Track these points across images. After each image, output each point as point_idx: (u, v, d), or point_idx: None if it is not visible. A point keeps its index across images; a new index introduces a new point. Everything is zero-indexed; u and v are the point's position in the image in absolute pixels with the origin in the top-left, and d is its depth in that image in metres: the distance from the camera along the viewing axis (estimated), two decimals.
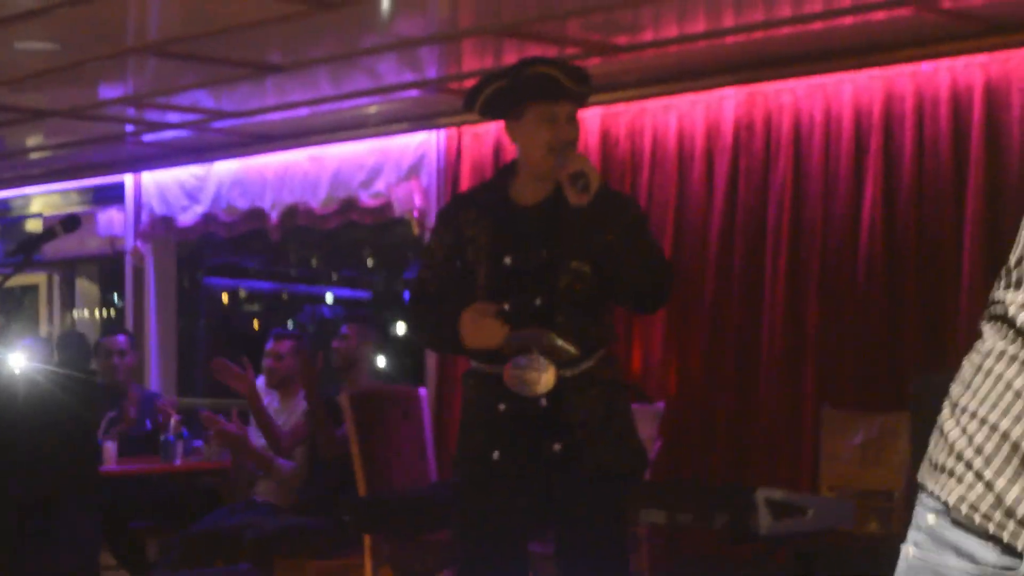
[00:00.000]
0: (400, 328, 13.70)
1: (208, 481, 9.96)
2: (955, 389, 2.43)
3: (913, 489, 6.18)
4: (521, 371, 5.74)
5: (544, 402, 5.76)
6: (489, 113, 6.08)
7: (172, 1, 6.88)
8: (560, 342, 5.71)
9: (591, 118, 8.04)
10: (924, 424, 4.85)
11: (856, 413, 7.14)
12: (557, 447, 5.79)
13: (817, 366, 7.74)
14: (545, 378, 5.73)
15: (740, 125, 8.11)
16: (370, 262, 14.60)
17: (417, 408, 9.25)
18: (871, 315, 7.57)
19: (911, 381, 6.74)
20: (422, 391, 9.41)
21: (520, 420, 5.83)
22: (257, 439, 9.26)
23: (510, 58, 7.63)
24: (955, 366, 6.78)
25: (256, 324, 16.10)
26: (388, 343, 10.94)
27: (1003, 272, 2.40)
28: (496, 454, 5.93)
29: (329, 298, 15.86)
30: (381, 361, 10.48)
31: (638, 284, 5.79)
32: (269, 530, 8.86)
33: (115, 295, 13.20)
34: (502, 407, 5.84)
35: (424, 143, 9.68)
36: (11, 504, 7.38)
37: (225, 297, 15.31)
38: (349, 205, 10.18)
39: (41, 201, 12.70)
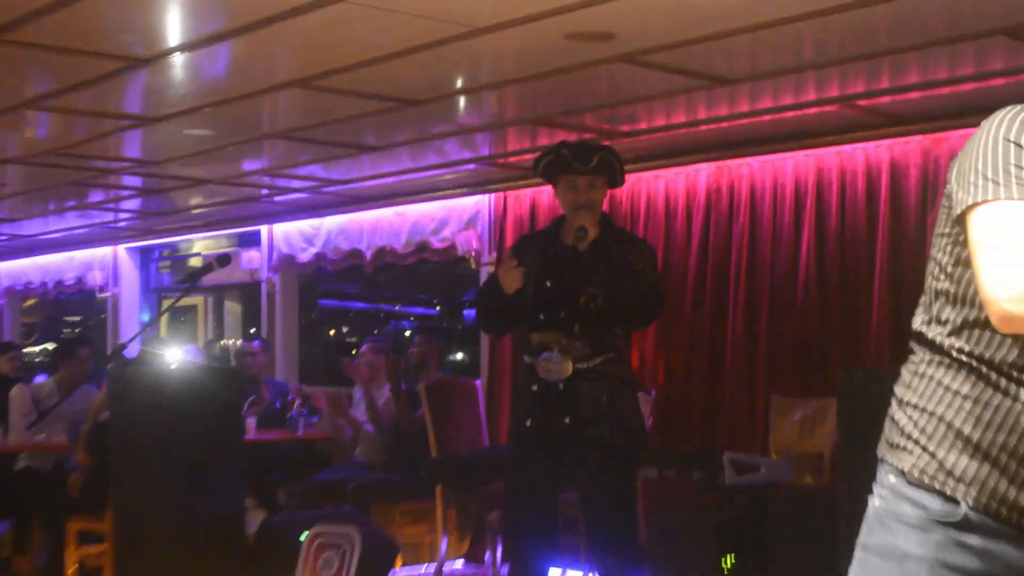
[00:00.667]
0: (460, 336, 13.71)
1: (321, 446, 9.97)
2: (898, 390, 2.50)
3: (836, 453, 6.23)
4: (546, 363, 5.88)
5: (561, 386, 5.87)
6: (543, 178, 6.26)
7: (295, 99, 6.88)
8: (575, 344, 5.87)
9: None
10: (846, 405, 4.96)
11: (795, 399, 7.14)
12: (567, 420, 5.89)
13: (767, 364, 7.73)
14: (562, 369, 5.85)
15: (711, 190, 8.13)
16: (437, 289, 14.61)
17: (474, 394, 9.29)
18: (807, 328, 7.55)
19: (836, 375, 6.79)
20: (478, 382, 9.44)
21: (545, 398, 5.95)
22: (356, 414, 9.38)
23: (543, 141, 7.71)
24: (868, 365, 6.84)
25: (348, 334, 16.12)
26: (449, 347, 10.91)
27: (920, 306, 2.50)
28: (528, 421, 6.06)
29: (407, 315, 15.83)
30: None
31: (627, 310, 5.93)
32: (366, 482, 8.89)
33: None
34: (534, 388, 5.97)
35: (479, 202, 9.70)
36: (180, 463, 7.43)
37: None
38: (423, 247, 10.18)
39: (200, 244, 12.73)
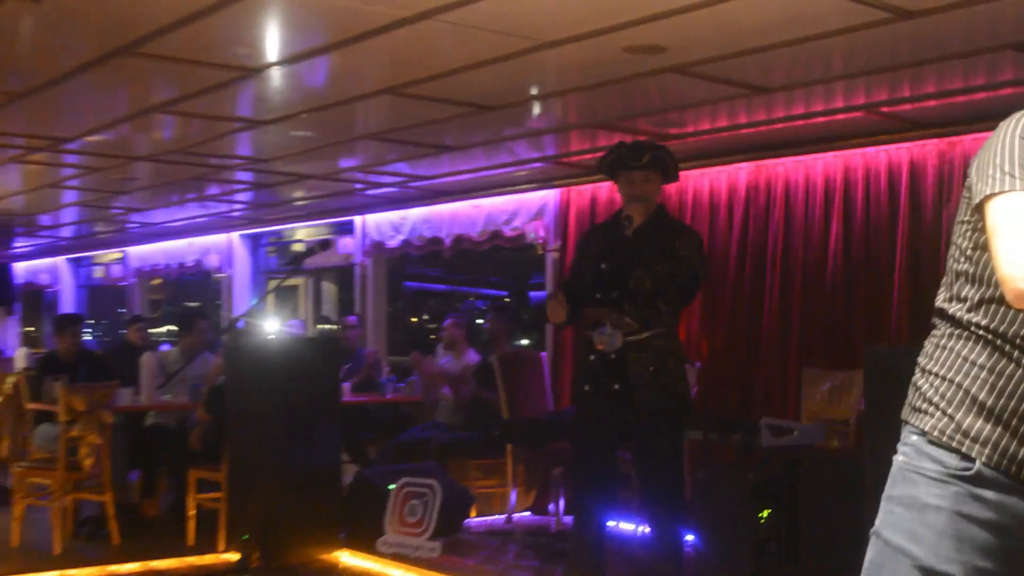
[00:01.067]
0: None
1: (407, 409, 10.00)
2: (922, 359, 2.51)
3: (861, 418, 6.15)
4: (600, 336, 5.93)
5: (613, 356, 5.91)
6: (606, 175, 6.28)
7: (385, 105, 6.87)
8: (624, 319, 5.87)
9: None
10: (871, 376, 4.91)
11: (824, 371, 7.09)
12: (616, 386, 5.93)
13: (799, 340, 7.68)
14: (614, 341, 5.88)
15: (750, 186, 8.08)
16: (508, 272, 14.62)
17: (540, 364, 9.28)
18: (835, 308, 7.50)
19: (862, 350, 6.74)
20: (543, 354, 9.48)
21: (599, 366, 6.00)
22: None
23: (602, 142, 7.68)
24: (889, 341, 6.74)
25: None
26: (518, 325, 10.92)
27: (942, 286, 2.50)
28: (586, 387, 6.11)
29: (481, 295, 15.86)
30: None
31: (669, 290, 5.92)
32: (445, 440, 8.93)
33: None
34: (591, 358, 6.03)
35: (545, 196, 9.66)
36: (285, 421, 7.48)
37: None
38: (496, 235, 10.16)
39: (302, 232, 12.79)
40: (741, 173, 8.19)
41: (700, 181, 8.36)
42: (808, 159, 7.78)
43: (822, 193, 7.70)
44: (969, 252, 2.40)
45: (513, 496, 8.71)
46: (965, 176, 2.40)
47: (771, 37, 5.28)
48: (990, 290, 2.35)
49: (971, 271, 2.40)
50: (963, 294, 2.43)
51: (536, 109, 7.10)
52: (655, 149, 6.14)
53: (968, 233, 2.40)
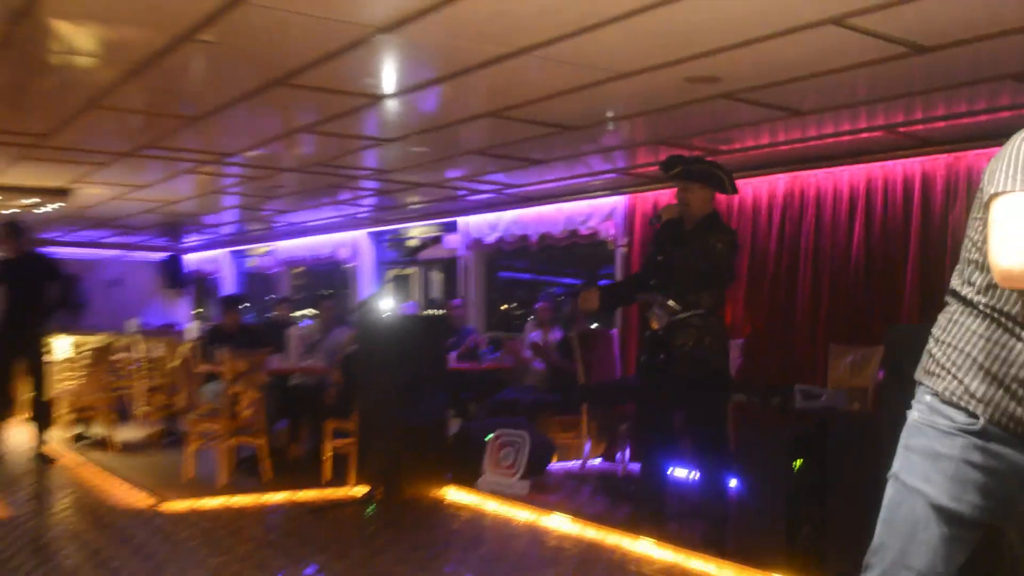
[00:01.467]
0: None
1: (500, 375, 10.01)
2: (935, 331, 2.51)
3: (879, 386, 6.06)
4: (653, 316, 5.93)
5: (660, 333, 5.91)
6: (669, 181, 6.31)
7: (485, 126, 6.89)
8: (668, 302, 5.88)
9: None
10: (891, 350, 4.84)
11: (848, 346, 7.01)
12: (661, 357, 5.93)
13: (826, 321, 7.60)
14: (661, 320, 5.88)
15: (787, 194, 7.99)
16: (583, 264, 14.55)
17: (610, 339, 9.27)
18: (857, 295, 7.42)
19: (880, 330, 6.68)
20: (613, 331, 9.46)
21: (651, 341, 6.03)
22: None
23: (664, 156, 7.66)
24: (909, 321, 6.59)
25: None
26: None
27: (955, 272, 2.50)
28: (643, 358, 6.11)
29: (560, 283, 15.79)
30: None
31: (702, 278, 5.92)
32: (533, 400, 8.97)
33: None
34: (647, 334, 6.06)
35: (615, 201, 9.61)
36: (402, 382, 7.54)
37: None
38: (574, 234, 10.13)
39: (415, 230, 12.85)
40: (779, 183, 8.09)
41: (745, 189, 8.25)
42: (836, 171, 7.68)
43: (847, 199, 7.59)
44: (979, 244, 2.39)
45: (587, 447, 8.71)
46: (980, 181, 2.39)
47: (806, 69, 5.23)
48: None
49: (979, 259, 2.39)
50: (972, 279, 2.42)
51: (608, 129, 7.08)
52: (688, 162, 6.13)
53: (979, 227, 2.39)
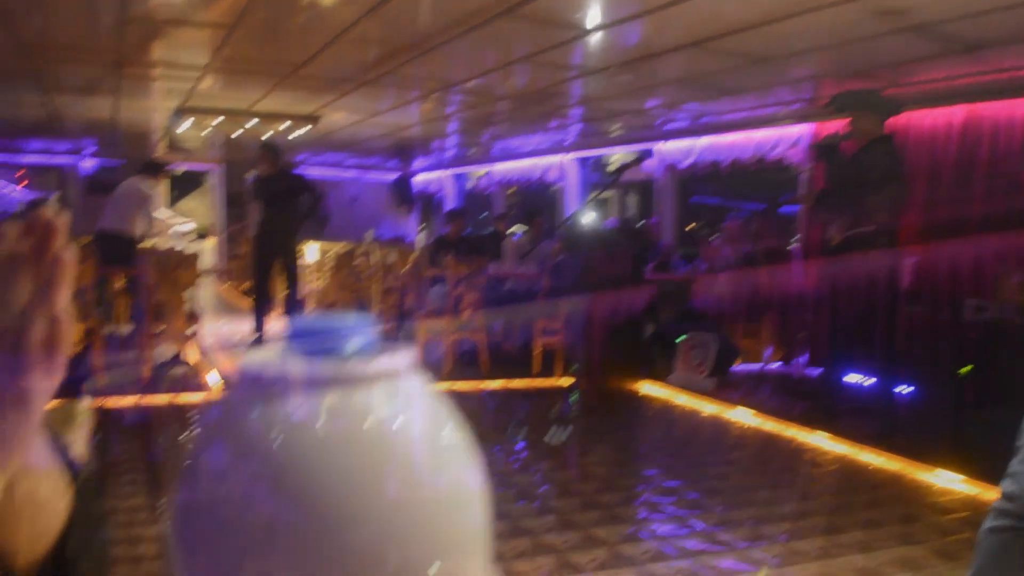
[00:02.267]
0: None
1: (691, 285, 10.00)
2: None
3: None
4: (831, 229, 5.87)
5: (834, 246, 5.88)
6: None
7: (683, 57, 6.81)
8: (843, 218, 5.78)
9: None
10: None
11: (1017, 267, 6.75)
12: None
13: (996, 243, 7.36)
14: (837, 236, 5.96)
15: (964, 124, 7.64)
16: (766, 189, 14.25)
17: (791, 255, 9.18)
18: None
19: None
20: (794, 248, 9.33)
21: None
22: None
23: (848, 87, 7.43)
24: None
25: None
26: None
27: None
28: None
29: (741, 208, 15.50)
30: None
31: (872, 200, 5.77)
32: (719, 308, 9.01)
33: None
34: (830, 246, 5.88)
35: (801, 130, 9.38)
36: (606, 287, 7.65)
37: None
38: (761, 160, 9.92)
39: (617, 156, 12.86)
40: (956, 113, 7.72)
41: (924, 120, 7.95)
42: (1014, 102, 7.28)
43: (1021, 129, 7.21)
44: None
45: (768, 351, 8.70)
46: None
47: (990, 3, 5.01)
48: None
49: None
50: None
51: (796, 62, 6.89)
52: (844, 96, 5.96)
53: None
